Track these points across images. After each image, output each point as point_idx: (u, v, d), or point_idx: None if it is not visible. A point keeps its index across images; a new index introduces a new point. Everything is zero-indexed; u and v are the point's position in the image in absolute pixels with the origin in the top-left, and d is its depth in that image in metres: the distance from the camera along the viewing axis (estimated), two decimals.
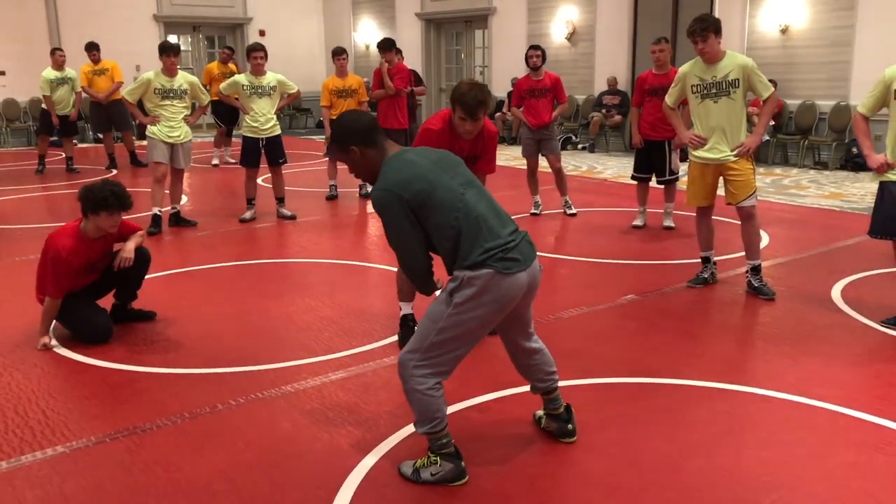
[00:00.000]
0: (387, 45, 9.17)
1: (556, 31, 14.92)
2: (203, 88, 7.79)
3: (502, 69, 15.75)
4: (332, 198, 9.20)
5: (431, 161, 2.97)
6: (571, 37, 14.73)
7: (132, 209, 4.66)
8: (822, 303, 5.16)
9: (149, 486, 3.03)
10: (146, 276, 4.96)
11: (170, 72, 7.37)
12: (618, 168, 11.85)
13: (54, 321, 4.60)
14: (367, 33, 18.68)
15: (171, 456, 3.26)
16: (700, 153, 5.37)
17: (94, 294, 4.79)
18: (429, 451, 3.02)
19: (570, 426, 3.31)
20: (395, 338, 4.50)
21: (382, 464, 3.17)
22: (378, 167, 2.97)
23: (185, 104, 7.51)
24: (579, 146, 14.43)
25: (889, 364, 4.19)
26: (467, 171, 3.10)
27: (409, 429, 3.42)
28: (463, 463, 3.00)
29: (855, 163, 11.11)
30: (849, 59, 11.27)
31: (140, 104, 7.57)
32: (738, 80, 5.19)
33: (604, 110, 13.81)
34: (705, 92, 5.30)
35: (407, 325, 4.47)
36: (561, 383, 3.78)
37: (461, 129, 4.05)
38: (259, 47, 7.84)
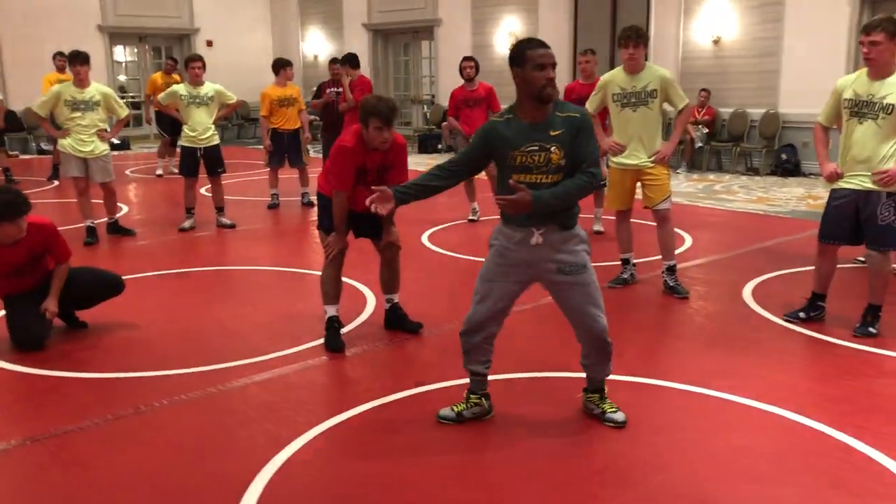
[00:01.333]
0: (345, 60, 9.39)
1: (500, 43, 15.21)
2: (119, 101, 7.67)
3: (449, 79, 15.94)
4: (273, 206, 9.29)
5: None
6: None
7: (67, 219, 4.73)
8: (733, 301, 5.43)
9: (66, 486, 3.13)
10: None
11: (81, 83, 7.23)
12: None
13: None
14: (314, 44, 18.79)
15: (91, 456, 3.36)
16: (619, 159, 5.62)
17: (61, 306, 4.82)
18: (605, 393, 3.58)
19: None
20: (319, 341, 4.63)
21: (297, 457, 3.30)
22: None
23: (99, 117, 7.32)
24: None
25: (784, 355, 4.45)
26: None
27: (327, 424, 3.57)
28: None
29: (784, 168, 11.55)
30: (777, 69, 11.73)
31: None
32: (656, 90, 5.45)
33: None
34: (625, 101, 5.55)
35: (332, 327, 4.60)
36: (465, 381, 3.98)
37: (378, 139, 4.21)
38: (197, 57, 7.93)
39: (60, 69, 11.32)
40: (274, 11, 19.59)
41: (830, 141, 4.94)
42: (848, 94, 4.59)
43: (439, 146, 15.63)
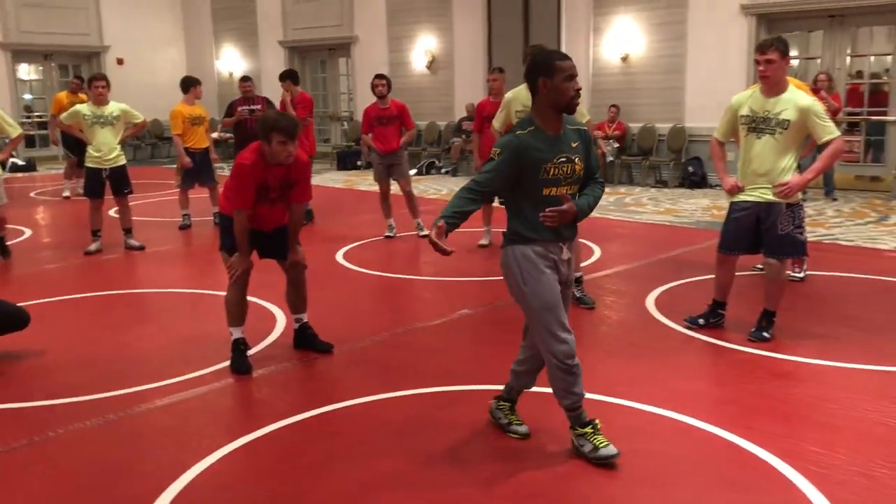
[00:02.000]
0: (285, 76, 9.34)
1: (417, 60, 15.35)
2: (9, 120, 7.40)
3: (366, 96, 15.96)
4: (185, 227, 9.11)
5: None
6: (431, 65, 15.19)
7: None
8: (637, 309, 5.61)
9: None
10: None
11: None
12: None
13: None
14: (229, 61, 18.56)
15: None
16: None
17: None
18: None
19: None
20: (225, 363, 4.56)
21: (199, 481, 3.25)
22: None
23: None
24: (442, 171, 14.83)
25: (683, 361, 4.62)
26: None
27: (227, 448, 3.52)
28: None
29: (691, 180, 11.98)
30: (682, 85, 12.19)
31: None
32: None
33: (464, 136, 14.27)
34: None
35: (238, 350, 4.54)
36: (385, 395, 4.01)
37: (283, 154, 4.19)
38: (100, 76, 7.75)
39: None
40: (187, 28, 19.28)
41: (727, 154, 5.18)
42: (744, 111, 4.79)
43: (358, 163, 15.63)
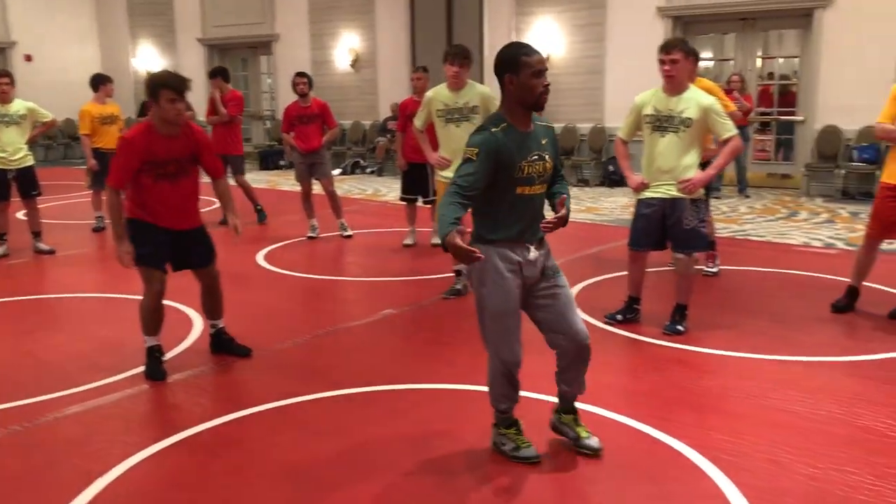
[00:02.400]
0: (215, 74, 9.20)
1: (340, 58, 15.22)
2: (42, 110, 7.35)
3: (289, 95, 15.78)
4: (98, 230, 8.81)
5: None
6: (355, 64, 15.08)
7: None
8: None
9: None
10: None
11: None
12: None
13: None
14: (147, 59, 18.02)
15: None
16: (445, 173, 5.76)
17: None
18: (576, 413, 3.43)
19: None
20: (140, 369, 4.43)
21: (109, 491, 3.14)
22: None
23: None
24: (367, 170, 14.76)
25: (601, 355, 4.59)
26: None
27: (139, 457, 3.42)
28: None
29: (611, 179, 12.23)
30: (602, 86, 12.43)
31: None
32: (477, 107, 5.65)
33: (388, 135, 14.22)
34: (449, 116, 5.71)
35: (153, 357, 4.39)
36: (303, 398, 3.96)
37: (172, 112, 4.04)
38: (3, 73, 7.42)
39: None
40: (101, 24, 18.65)
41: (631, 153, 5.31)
42: (648, 110, 4.92)
43: (281, 162, 15.40)
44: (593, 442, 3.36)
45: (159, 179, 4.16)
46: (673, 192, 4.84)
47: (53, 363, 4.66)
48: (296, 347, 4.91)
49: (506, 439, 3.37)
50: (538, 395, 3.91)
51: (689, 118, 4.75)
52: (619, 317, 5.25)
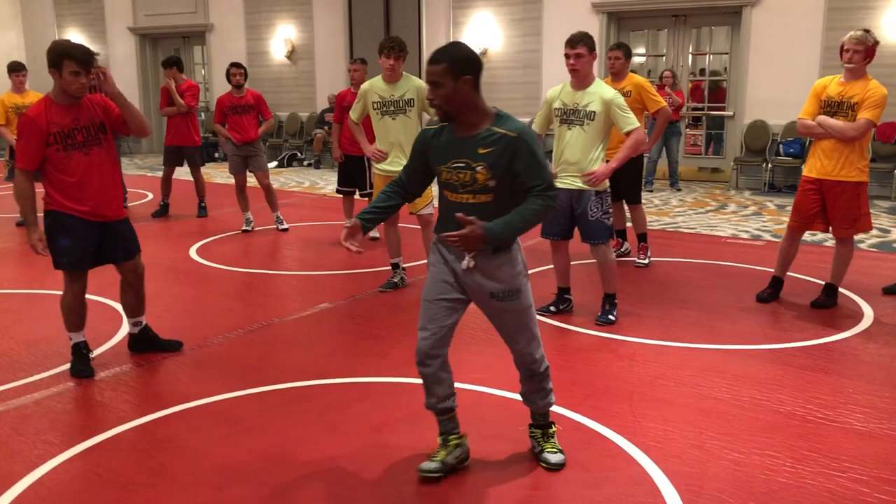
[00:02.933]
0: (170, 63, 8.95)
1: (276, 49, 15.00)
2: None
3: (223, 86, 15.49)
4: (22, 224, 8.50)
5: None
6: (291, 55, 14.89)
7: None
8: None
9: None
10: None
11: None
12: None
13: None
14: None
15: None
16: (382, 166, 5.74)
17: None
18: (551, 430, 3.31)
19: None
20: (65, 367, 4.29)
21: (27, 494, 3.04)
22: (475, 106, 2.94)
23: None
24: (304, 163, 14.60)
25: None
26: None
27: (63, 457, 3.32)
28: None
29: None
30: (538, 80, 12.54)
31: None
32: (413, 100, 5.64)
33: (326, 127, 14.09)
34: (385, 109, 5.68)
35: (79, 354, 4.27)
36: (234, 394, 3.90)
37: (74, 85, 3.88)
38: None
39: None
40: (25, 11, 17.97)
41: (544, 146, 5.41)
42: (557, 104, 5.05)
43: (216, 154, 15.12)
44: (553, 458, 3.23)
45: (70, 150, 3.98)
46: (579, 184, 4.97)
47: None
48: (228, 343, 4.83)
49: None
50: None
51: (593, 111, 4.88)
52: (553, 308, 5.32)
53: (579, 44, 4.86)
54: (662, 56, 12.51)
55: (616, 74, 6.48)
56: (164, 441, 3.50)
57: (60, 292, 4.28)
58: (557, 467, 3.20)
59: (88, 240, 4.13)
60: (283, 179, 12.58)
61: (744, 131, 11.39)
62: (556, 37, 12.18)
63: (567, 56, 4.90)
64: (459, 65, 2.88)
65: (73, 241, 4.08)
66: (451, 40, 13.07)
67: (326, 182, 12.33)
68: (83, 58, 3.86)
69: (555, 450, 3.27)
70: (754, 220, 8.85)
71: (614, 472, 3.20)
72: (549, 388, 3.28)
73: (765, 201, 10.19)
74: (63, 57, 3.82)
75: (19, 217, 8.54)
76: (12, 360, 4.52)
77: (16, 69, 8.36)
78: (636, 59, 12.70)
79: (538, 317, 5.18)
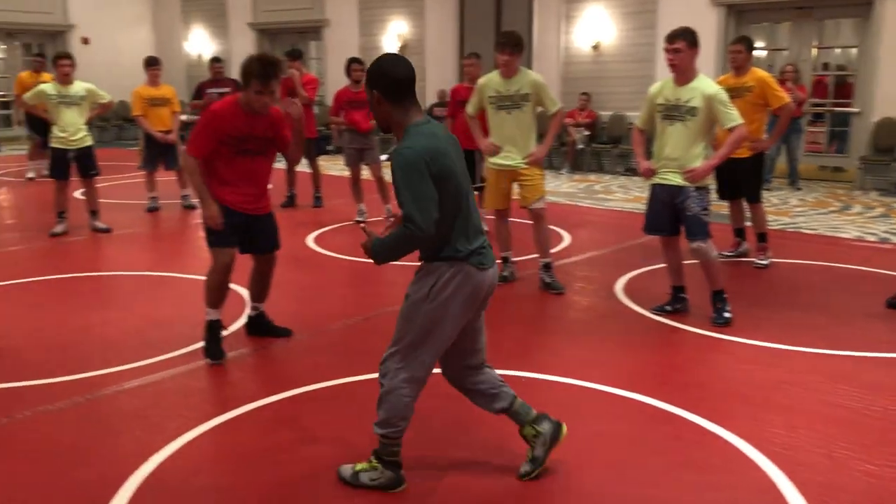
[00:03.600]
0: (297, 55, 9.21)
1: (388, 44, 15.26)
2: (101, 92, 7.71)
3: (337, 80, 15.90)
4: (152, 210, 9.01)
5: (450, 143, 2.93)
6: (402, 50, 15.10)
7: None
8: (606, 295, 5.67)
9: None
10: None
11: None
12: None
13: None
14: (198, 43, 18.30)
15: None
16: (495, 160, 5.77)
17: None
18: (374, 455, 3.06)
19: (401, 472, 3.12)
20: (196, 346, 4.52)
21: (166, 465, 3.23)
22: (393, 122, 2.91)
23: None
24: None
25: (649, 345, 4.69)
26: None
27: (197, 430, 3.51)
28: (402, 472, 3.04)
29: None
30: (651, 74, 12.22)
31: None
32: (528, 94, 5.64)
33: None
34: (500, 104, 5.70)
35: (213, 332, 4.43)
36: (351, 379, 4.01)
37: (258, 103, 4.09)
38: (65, 55, 7.61)
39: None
40: (155, 8, 18.96)
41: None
42: (659, 100, 4.98)
43: (329, 147, 15.50)
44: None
45: (239, 155, 4.23)
46: (678, 180, 4.89)
47: (111, 338, 4.79)
48: (346, 329, 4.98)
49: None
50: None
51: (695, 107, 4.79)
52: (668, 307, 5.23)
53: (677, 39, 4.81)
54: (783, 50, 12.02)
55: (738, 69, 6.28)
56: (291, 420, 3.65)
57: (184, 275, 4.49)
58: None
59: (237, 226, 4.36)
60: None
61: (872, 129, 10.80)
62: (671, 30, 11.90)
63: (666, 51, 4.85)
64: (370, 79, 2.91)
65: (225, 227, 4.30)
66: (562, 35, 12.97)
67: None
68: (267, 81, 4.02)
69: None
70: (882, 223, 8.40)
71: (736, 476, 3.12)
72: (381, 413, 3.03)
73: (894, 202, 9.65)
74: (250, 76, 4.03)
75: (149, 203, 9.05)
76: (146, 338, 4.80)
77: (152, 63, 8.85)
78: (755, 53, 12.23)
79: (654, 316, 5.14)
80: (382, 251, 2.94)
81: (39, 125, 11.13)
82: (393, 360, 3.00)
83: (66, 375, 4.17)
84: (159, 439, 3.43)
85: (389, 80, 2.87)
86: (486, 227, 8.00)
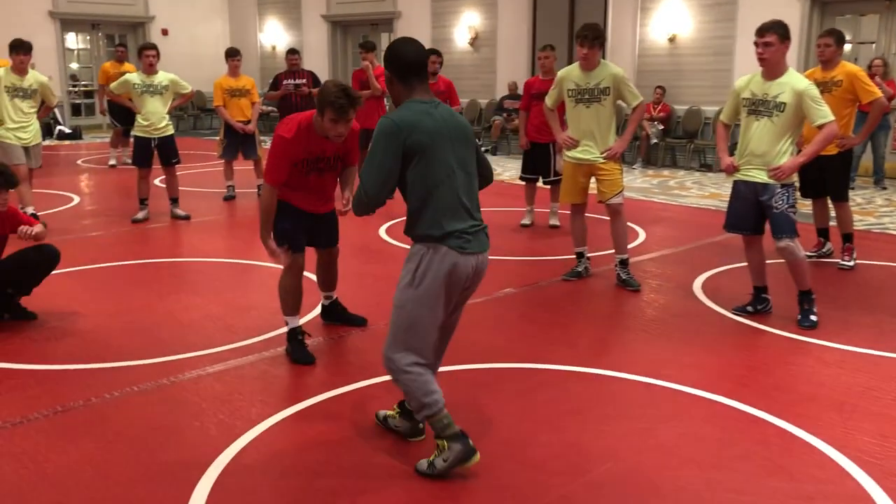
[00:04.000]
0: (371, 47, 9.26)
1: (460, 37, 15.25)
2: (182, 82, 8.01)
3: None
4: (229, 198, 9.20)
5: (443, 126, 3.01)
6: (474, 42, 15.08)
7: None
8: (684, 294, 5.55)
9: (16, 478, 3.08)
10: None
11: (19, 70, 7.36)
12: (517, 170, 12.01)
13: None
14: (272, 34, 18.61)
15: (41, 448, 3.32)
16: (573, 154, 5.70)
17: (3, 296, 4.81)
18: (436, 438, 3.09)
19: (420, 424, 3.37)
20: (274, 332, 4.60)
21: (250, 448, 3.31)
22: (401, 101, 3.05)
23: (33, 106, 7.51)
24: (483, 149, 14.76)
25: (730, 346, 4.58)
26: (472, 157, 3.15)
27: (277, 417, 3.58)
28: (471, 441, 3.05)
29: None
30: (730, 68, 11.95)
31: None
32: (608, 88, 5.55)
33: (505, 114, 14.17)
34: (579, 97, 5.63)
35: (296, 339, 4.37)
36: None
37: (333, 132, 4.05)
38: (150, 46, 7.82)
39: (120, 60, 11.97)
40: (231, 1, 19.35)
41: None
42: (746, 94, 4.85)
43: None
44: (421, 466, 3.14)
45: (310, 173, 4.28)
46: (763, 177, 4.77)
47: (192, 323, 4.92)
48: None
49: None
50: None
51: (783, 103, 4.66)
52: (750, 308, 5.09)
53: (768, 32, 4.68)
54: (871, 43, 11.55)
55: (826, 62, 6.06)
56: (367, 409, 3.68)
57: (261, 263, 4.55)
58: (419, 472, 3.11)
59: (302, 225, 4.39)
60: None
61: None
62: (751, 23, 11.41)
63: (756, 45, 4.73)
64: (385, 61, 3.04)
65: (292, 226, 4.35)
66: (637, 27, 12.74)
67: (504, 168, 12.41)
68: (341, 110, 3.97)
69: (435, 455, 3.10)
70: None
71: (827, 485, 3.02)
72: (409, 402, 3.16)
73: None
74: (326, 106, 4.00)
75: (226, 192, 9.25)
76: (227, 323, 4.91)
77: (232, 55, 9.01)
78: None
79: (735, 316, 5.01)
80: (354, 206, 3.12)
81: (121, 114, 11.53)
82: (391, 350, 3.11)
83: (151, 358, 4.30)
84: (242, 423, 3.51)
85: (400, 62, 3.03)
86: (557, 223, 7.89)
